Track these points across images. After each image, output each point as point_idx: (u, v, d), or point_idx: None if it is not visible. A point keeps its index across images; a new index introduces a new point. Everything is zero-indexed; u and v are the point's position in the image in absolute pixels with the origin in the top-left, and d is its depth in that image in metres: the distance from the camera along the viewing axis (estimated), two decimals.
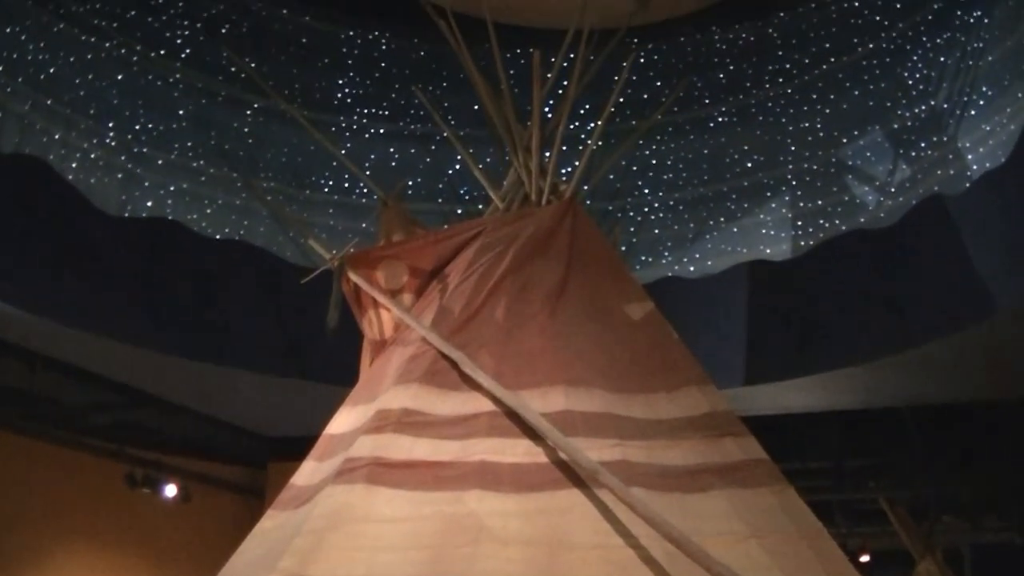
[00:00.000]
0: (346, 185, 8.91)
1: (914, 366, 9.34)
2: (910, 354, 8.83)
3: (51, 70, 7.70)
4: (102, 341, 8.55)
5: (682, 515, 4.13)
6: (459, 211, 8.48)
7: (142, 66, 8.20)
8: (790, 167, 8.96)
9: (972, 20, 8.01)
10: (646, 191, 9.18)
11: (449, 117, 7.72)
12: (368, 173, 7.78)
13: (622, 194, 9.11)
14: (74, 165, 7.85)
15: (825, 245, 8.73)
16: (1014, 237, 7.54)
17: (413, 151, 8.96)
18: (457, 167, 8.66)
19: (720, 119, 8.99)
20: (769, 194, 9.08)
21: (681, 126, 9.04)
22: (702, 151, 9.09)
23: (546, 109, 6.31)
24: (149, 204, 8.31)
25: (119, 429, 11.17)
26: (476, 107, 7.06)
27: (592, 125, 7.43)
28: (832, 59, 8.64)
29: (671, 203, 9.18)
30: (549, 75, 6.36)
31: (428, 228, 6.57)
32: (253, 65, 8.12)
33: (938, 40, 8.26)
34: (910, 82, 8.45)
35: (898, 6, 8.33)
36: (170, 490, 11.54)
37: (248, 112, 8.66)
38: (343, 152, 7.98)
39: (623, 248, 8.71)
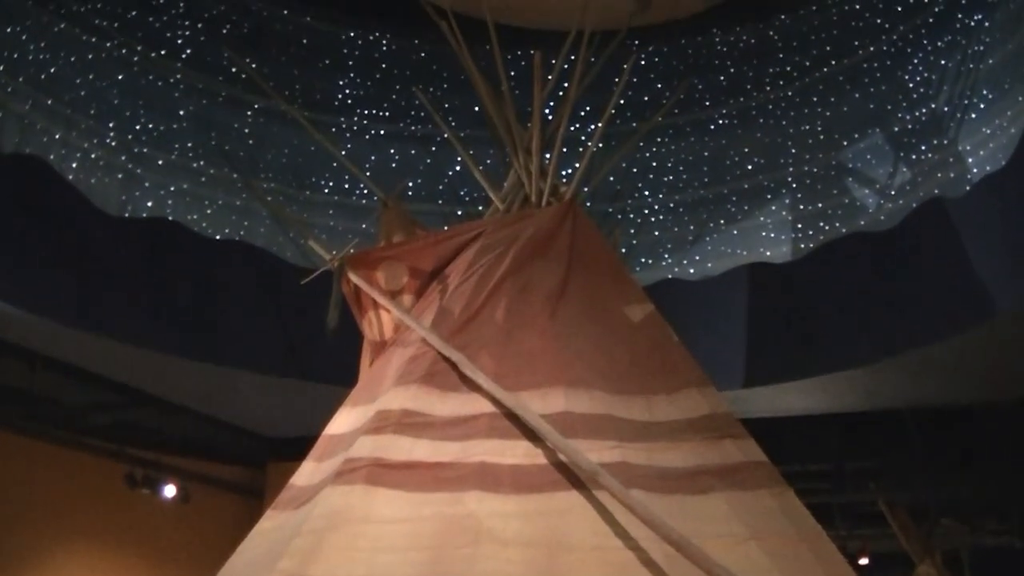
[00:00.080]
0: (346, 186, 8.91)
1: (914, 368, 9.34)
2: (910, 356, 8.83)
3: (52, 70, 7.70)
4: (102, 341, 8.55)
5: (681, 517, 4.14)
6: (459, 212, 8.48)
7: (143, 66, 8.21)
8: (790, 169, 8.97)
9: (973, 23, 8.02)
10: (646, 193, 9.18)
11: (449, 118, 7.73)
12: (368, 174, 7.78)
13: (622, 196, 9.12)
14: (74, 165, 7.85)
15: (825, 247, 8.73)
16: (1014, 240, 7.54)
17: (413, 152, 8.96)
18: (457, 168, 8.67)
19: (721, 121, 9.00)
20: (769, 196, 9.08)
21: (681, 128, 9.04)
22: (702, 153, 9.10)
23: (547, 110, 6.32)
24: (149, 204, 8.31)
25: (119, 429, 11.16)
26: (476, 108, 7.08)
27: (592, 127, 7.43)
28: (833, 62, 8.64)
29: (671, 205, 9.19)
30: (550, 76, 6.38)
31: (428, 229, 6.58)
32: (254, 66, 8.12)
33: (939, 43, 8.26)
34: (911, 85, 8.46)
35: (899, 9, 8.34)
36: (170, 490, 11.53)
37: (248, 113, 8.66)
38: (343, 153, 7.99)
39: (623, 250, 8.72)
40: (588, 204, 7.07)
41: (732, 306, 9.03)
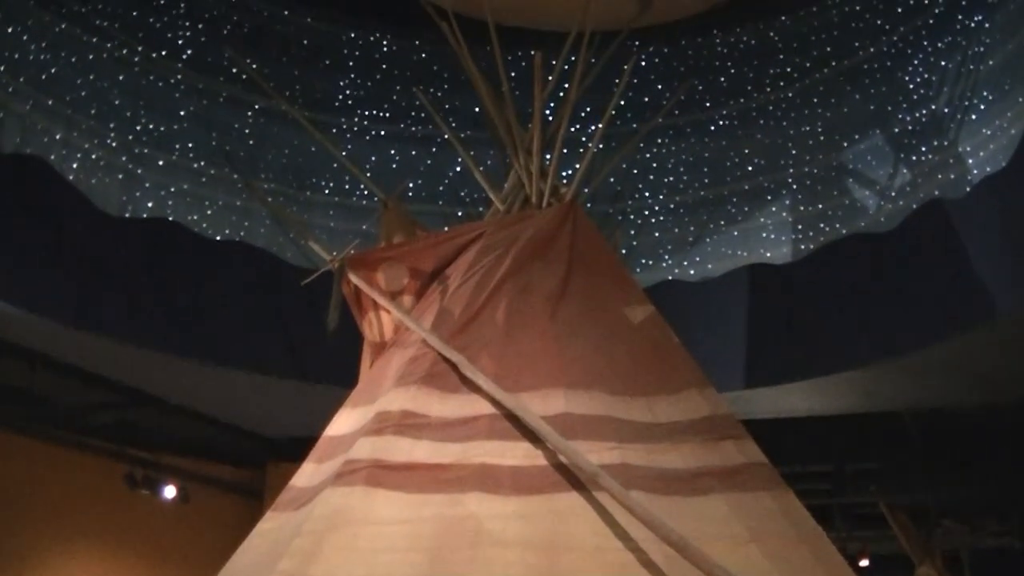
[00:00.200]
0: (347, 187, 8.91)
1: (914, 369, 9.33)
2: (910, 357, 8.82)
3: (53, 70, 7.70)
4: (102, 341, 8.54)
5: (681, 518, 4.13)
6: (460, 213, 8.49)
7: (143, 66, 8.21)
8: (791, 171, 8.96)
9: (973, 24, 8.01)
10: (647, 194, 9.18)
11: (450, 119, 7.74)
12: (369, 175, 7.79)
13: (623, 197, 9.12)
14: (75, 165, 7.85)
15: (826, 248, 8.72)
16: (1014, 241, 7.54)
17: (414, 153, 8.96)
18: (458, 169, 8.67)
19: (721, 122, 9.00)
20: (770, 198, 9.08)
21: (682, 129, 9.04)
22: (703, 154, 9.10)
23: (547, 111, 6.32)
24: (150, 204, 8.30)
25: (119, 430, 11.15)
26: (477, 109, 7.09)
27: (593, 128, 7.43)
28: (833, 63, 8.64)
29: (672, 206, 9.19)
30: (550, 77, 6.38)
31: (429, 230, 6.58)
32: (254, 66, 8.12)
33: (939, 44, 8.26)
34: (911, 86, 8.45)
35: (899, 10, 8.34)
36: (169, 491, 11.52)
37: (249, 113, 8.66)
38: (344, 153, 7.98)
39: (623, 251, 8.73)
40: (588, 205, 7.08)
41: (732, 307, 9.03)
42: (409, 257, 5.77)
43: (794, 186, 8.99)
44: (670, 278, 9.15)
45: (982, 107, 7.93)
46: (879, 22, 8.42)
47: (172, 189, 8.41)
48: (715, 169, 9.11)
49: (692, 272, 9.18)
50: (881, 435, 11.54)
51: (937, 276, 8.12)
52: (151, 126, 8.31)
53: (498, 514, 4.23)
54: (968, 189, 7.89)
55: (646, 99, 8.55)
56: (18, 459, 10.29)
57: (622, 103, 7.82)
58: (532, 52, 6.12)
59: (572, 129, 6.97)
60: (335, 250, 5.95)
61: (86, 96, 7.94)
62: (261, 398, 10.75)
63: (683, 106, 8.68)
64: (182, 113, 8.44)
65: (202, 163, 8.54)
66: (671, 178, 9.16)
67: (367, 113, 8.87)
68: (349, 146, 8.70)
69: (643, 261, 9.17)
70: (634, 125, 8.33)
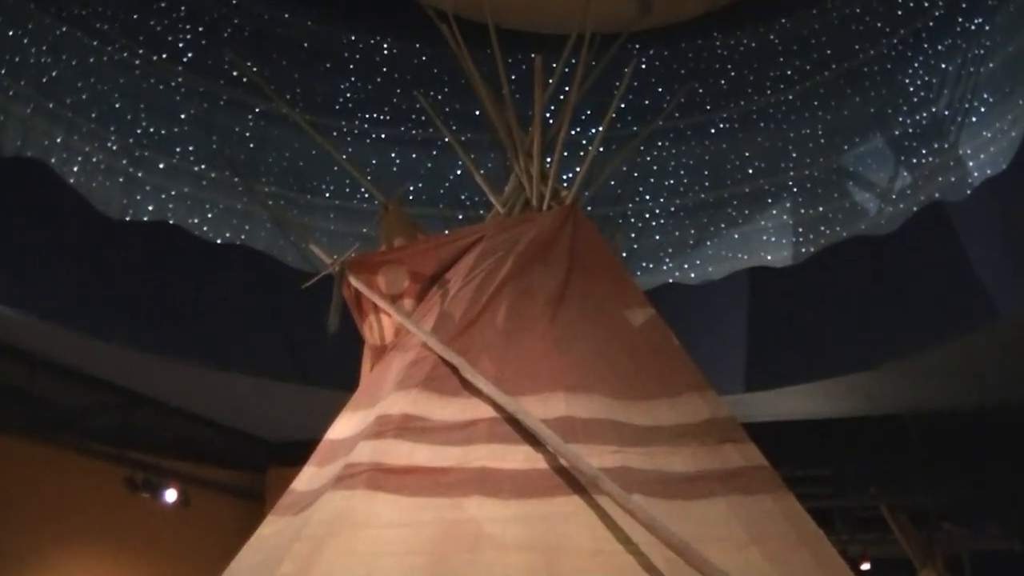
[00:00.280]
0: (347, 190, 8.91)
1: (915, 372, 9.34)
2: (911, 360, 8.83)
3: (53, 73, 7.70)
4: (102, 344, 8.55)
5: (682, 522, 4.13)
6: (460, 216, 8.49)
7: (144, 70, 8.20)
8: (791, 173, 8.96)
9: (973, 27, 8.01)
10: (647, 197, 9.18)
11: (450, 122, 7.74)
12: (369, 178, 7.78)
13: (623, 200, 9.11)
14: (76, 168, 7.84)
15: (827, 251, 8.72)
16: (1015, 244, 7.54)
17: (414, 156, 8.96)
18: (458, 172, 8.67)
19: (721, 125, 8.99)
20: (770, 200, 9.08)
21: (682, 132, 9.04)
22: (703, 157, 9.09)
23: (547, 114, 6.31)
24: (150, 208, 8.30)
25: (119, 433, 11.16)
26: (478, 112, 7.09)
27: (593, 130, 7.42)
28: (833, 65, 8.64)
29: (672, 209, 9.18)
30: (551, 80, 6.38)
31: (429, 233, 6.58)
32: (255, 69, 8.12)
33: (939, 47, 8.25)
34: (911, 89, 8.45)
35: (899, 12, 8.33)
36: (170, 494, 11.53)
37: (250, 116, 8.66)
38: (344, 156, 7.97)
39: (624, 254, 8.73)
40: (589, 208, 7.07)
41: (733, 310, 9.03)
42: (410, 260, 5.77)
43: (794, 189, 8.99)
44: (671, 281, 9.15)
45: (982, 110, 7.92)
46: (879, 25, 8.42)
47: (173, 192, 8.41)
48: (715, 172, 9.11)
49: (693, 275, 9.17)
50: (882, 438, 11.55)
51: (937, 279, 8.13)
52: (152, 129, 8.31)
53: (498, 518, 4.22)
54: (969, 192, 7.88)
55: (646, 102, 8.55)
56: (18, 462, 10.30)
57: (622, 106, 7.81)
58: (532, 55, 6.12)
59: (572, 132, 6.97)
60: (336, 253, 5.96)
61: (87, 99, 7.94)
62: (262, 401, 10.76)
63: (683, 109, 8.67)
64: (183, 116, 8.44)
65: (203, 166, 8.54)
66: (671, 181, 9.16)
67: (368, 116, 8.86)
68: (350, 149, 8.69)
69: (644, 264, 9.17)
70: (634, 128, 8.33)
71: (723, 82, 8.82)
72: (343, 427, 5.14)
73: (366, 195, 8.60)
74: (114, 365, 9.78)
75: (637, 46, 8.07)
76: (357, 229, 8.64)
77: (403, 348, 5.30)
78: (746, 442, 4.85)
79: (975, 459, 11.49)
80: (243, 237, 8.72)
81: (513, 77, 6.53)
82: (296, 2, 8.41)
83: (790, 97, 8.82)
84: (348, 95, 8.81)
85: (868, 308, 8.59)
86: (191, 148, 8.50)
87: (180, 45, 8.32)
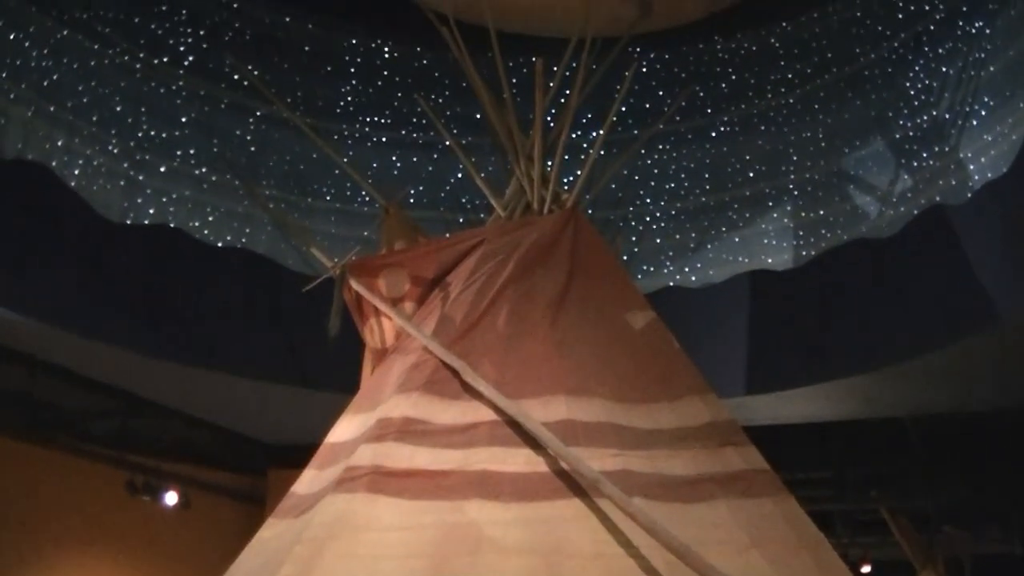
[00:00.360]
0: (348, 193, 8.91)
1: (915, 375, 9.33)
2: (911, 363, 8.83)
3: (54, 76, 7.71)
4: (103, 347, 8.55)
5: (683, 525, 4.13)
6: (461, 220, 8.49)
7: (145, 73, 8.21)
8: (792, 176, 8.97)
9: (974, 30, 8.02)
10: (648, 200, 9.18)
11: (451, 125, 7.74)
12: (370, 181, 7.78)
13: (624, 203, 9.12)
14: (77, 172, 7.85)
15: (827, 254, 8.73)
16: (1016, 247, 7.54)
17: (415, 159, 8.96)
18: (459, 175, 8.67)
19: (722, 128, 9.00)
20: (771, 203, 9.08)
21: (683, 135, 9.04)
22: (704, 160, 9.10)
23: (548, 118, 6.32)
24: (151, 211, 8.31)
25: (119, 435, 11.16)
26: (478, 115, 7.09)
27: (594, 134, 7.43)
28: (834, 69, 8.64)
29: (673, 212, 9.19)
30: (551, 84, 6.38)
31: (430, 236, 6.58)
32: (256, 72, 8.13)
33: (940, 50, 8.26)
34: (912, 92, 8.46)
35: (900, 16, 8.34)
36: (170, 497, 11.53)
37: (251, 120, 8.67)
38: (345, 160, 7.98)
39: (625, 257, 8.73)
40: (590, 211, 7.07)
41: (734, 313, 9.03)
42: (410, 263, 5.77)
43: (795, 192, 9.00)
44: (671, 284, 9.15)
45: (983, 113, 7.93)
46: (880, 28, 8.42)
47: (174, 195, 8.42)
48: (716, 175, 9.11)
49: (693, 278, 9.18)
50: (882, 441, 11.55)
51: (938, 282, 8.13)
52: (153, 132, 8.32)
53: (499, 521, 4.22)
54: (969, 195, 7.89)
55: (647, 105, 8.55)
56: (18, 464, 10.29)
57: (623, 109, 7.83)
58: (533, 58, 6.13)
59: (573, 135, 6.98)
60: (336, 256, 5.96)
61: (88, 102, 7.95)
62: (262, 404, 10.76)
63: (684, 112, 8.67)
64: (184, 120, 8.45)
65: (204, 169, 8.55)
66: (672, 184, 9.16)
67: (368, 119, 8.87)
68: (351, 152, 8.69)
69: (644, 267, 9.17)
70: (635, 131, 8.33)
71: (724, 85, 8.83)
72: (344, 430, 5.14)
73: (367, 198, 8.61)
74: (115, 368, 9.78)
75: (638, 50, 8.08)
76: (358, 232, 8.65)
77: (404, 351, 5.30)
78: (747, 445, 4.85)
79: (975, 462, 11.49)
80: (244, 240, 8.73)
81: (514, 80, 6.54)
82: (297, 5, 8.41)
83: (791, 100, 8.83)
84: (349, 98, 8.82)
85: (869, 311, 8.59)
86: (192, 151, 8.51)
87: (181, 49, 8.33)
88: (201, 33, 8.32)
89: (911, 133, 8.49)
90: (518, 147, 6.12)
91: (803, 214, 8.95)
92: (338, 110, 8.79)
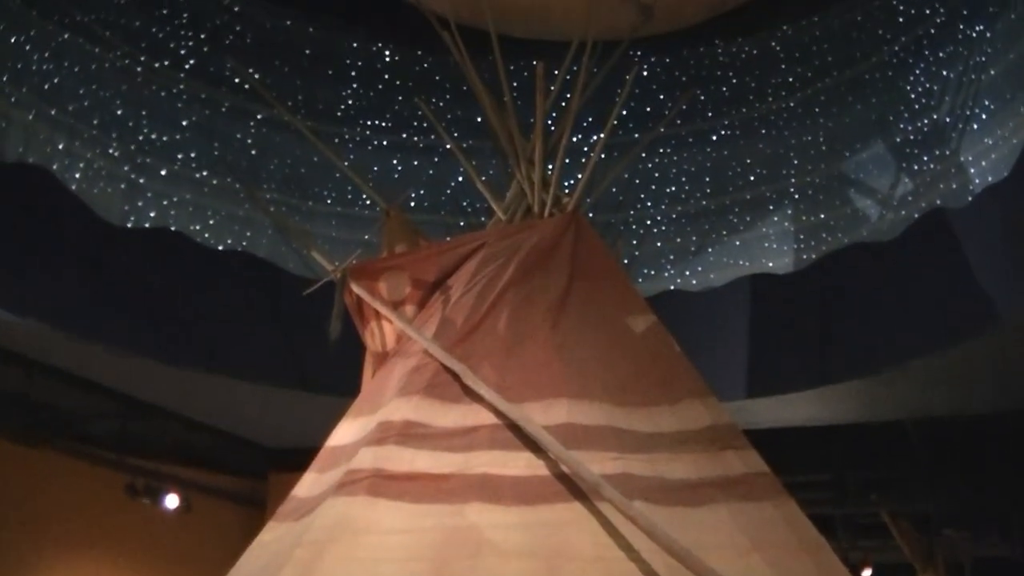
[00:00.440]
0: (349, 196, 8.91)
1: (916, 379, 9.34)
2: (912, 367, 8.83)
3: (55, 80, 7.71)
4: (103, 350, 8.55)
5: (684, 528, 4.13)
6: (462, 223, 8.49)
7: (146, 76, 8.21)
8: (793, 180, 8.96)
9: (975, 34, 8.02)
10: (649, 203, 9.17)
11: (452, 128, 7.74)
12: (371, 184, 7.78)
13: (624, 207, 9.11)
14: (78, 175, 7.85)
15: (828, 258, 8.73)
16: (1016, 250, 7.55)
17: (416, 163, 8.96)
18: (460, 179, 8.66)
19: (723, 132, 8.99)
20: (772, 207, 9.08)
21: (684, 139, 9.04)
22: (705, 164, 9.09)
23: (549, 121, 6.32)
24: (152, 214, 8.31)
25: (120, 439, 11.17)
26: (479, 119, 7.09)
27: (595, 137, 7.44)
28: (835, 72, 8.64)
29: (674, 216, 9.18)
30: (552, 87, 6.39)
31: (431, 240, 6.57)
32: (257, 76, 8.13)
33: (940, 54, 8.26)
34: (912, 95, 8.46)
35: (900, 20, 8.34)
36: (171, 500, 11.54)
37: (251, 123, 8.66)
38: (346, 163, 7.98)
39: (625, 260, 8.72)
40: (590, 215, 7.07)
41: (734, 317, 9.03)
42: (411, 267, 5.77)
43: (796, 196, 8.99)
44: (672, 288, 9.14)
45: (984, 116, 7.93)
46: (880, 32, 8.42)
47: (174, 199, 8.41)
48: (717, 178, 9.11)
49: (694, 282, 9.17)
50: (883, 444, 11.56)
51: (939, 285, 8.13)
52: (153, 136, 8.32)
53: (499, 524, 4.22)
54: (970, 198, 7.88)
55: (648, 109, 8.55)
56: (18, 467, 10.30)
57: (624, 113, 7.82)
58: (534, 62, 6.13)
59: (574, 139, 6.98)
60: (337, 260, 5.96)
61: (88, 106, 7.95)
62: (262, 408, 10.77)
63: (685, 116, 8.68)
64: (184, 123, 8.45)
65: (204, 173, 8.54)
66: (673, 188, 9.16)
67: (369, 123, 8.86)
68: (351, 156, 8.69)
69: (645, 271, 9.16)
70: (636, 135, 8.33)
71: (725, 89, 8.83)
72: (344, 433, 5.14)
73: (368, 202, 8.60)
74: (115, 371, 9.79)
75: (639, 53, 8.08)
76: (359, 236, 8.64)
77: (405, 355, 5.30)
78: (747, 448, 4.85)
79: (976, 465, 11.49)
80: (244, 244, 8.72)
81: (515, 84, 6.54)
82: (298, 9, 8.42)
83: (791, 104, 8.83)
84: (350, 102, 8.82)
85: (869, 314, 8.59)
86: (193, 155, 8.51)
87: (182, 52, 8.33)
88: (202, 37, 8.32)
89: (912, 137, 8.48)
90: (519, 150, 6.13)
91: (804, 218, 8.95)
92: (339, 113, 8.79)
